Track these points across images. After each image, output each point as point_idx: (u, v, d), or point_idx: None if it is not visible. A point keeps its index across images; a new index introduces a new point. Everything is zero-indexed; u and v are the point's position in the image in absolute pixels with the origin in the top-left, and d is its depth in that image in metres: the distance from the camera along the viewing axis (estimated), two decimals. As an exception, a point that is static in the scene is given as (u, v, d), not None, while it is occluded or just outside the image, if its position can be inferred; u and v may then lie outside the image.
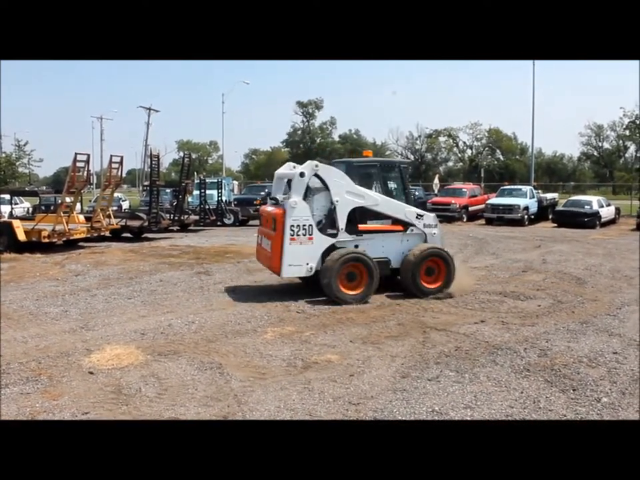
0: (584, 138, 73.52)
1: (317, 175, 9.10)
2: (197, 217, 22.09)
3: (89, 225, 16.67)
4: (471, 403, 4.98)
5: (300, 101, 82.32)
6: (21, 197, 27.46)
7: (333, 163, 10.55)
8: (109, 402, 4.99)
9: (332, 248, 9.08)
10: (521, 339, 6.94)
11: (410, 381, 5.51)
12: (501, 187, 30.12)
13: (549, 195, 30.28)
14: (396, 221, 9.53)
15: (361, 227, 9.36)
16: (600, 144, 73.93)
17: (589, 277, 11.29)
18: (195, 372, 5.75)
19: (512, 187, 30.64)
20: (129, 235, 19.20)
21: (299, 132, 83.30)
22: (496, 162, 73.87)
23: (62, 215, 15.62)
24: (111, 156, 17.03)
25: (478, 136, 76.13)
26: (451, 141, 77.61)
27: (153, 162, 19.23)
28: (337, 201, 9.05)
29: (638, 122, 38.34)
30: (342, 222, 9.12)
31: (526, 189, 28.30)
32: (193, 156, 47.53)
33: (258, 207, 23.75)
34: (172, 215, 20.39)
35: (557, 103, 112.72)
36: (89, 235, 16.47)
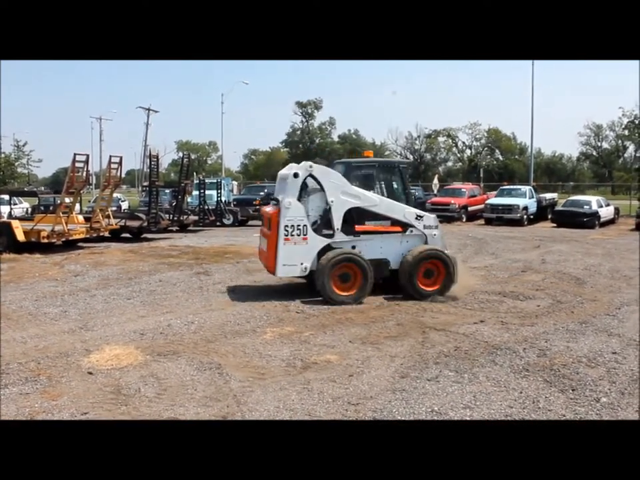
0: (583, 138, 73.76)
1: (311, 176, 9.14)
2: (196, 218, 22.09)
3: (88, 226, 16.67)
4: (470, 403, 4.98)
5: (299, 101, 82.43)
6: (20, 198, 27.43)
7: (334, 163, 10.55)
8: (108, 402, 4.98)
9: (328, 248, 9.10)
10: (520, 339, 6.95)
11: (409, 381, 5.51)
12: (500, 187, 30.15)
13: (548, 195, 30.31)
14: (395, 222, 9.47)
15: (358, 227, 9.35)
16: (599, 144, 74.10)
17: (588, 277, 11.30)
18: (194, 372, 5.75)
19: (511, 187, 30.66)
20: (128, 235, 19.20)
21: (298, 132, 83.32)
22: (495, 162, 73.96)
23: (61, 215, 15.61)
24: (110, 156, 17.04)
25: (477, 136, 76.31)
26: (450, 141, 77.70)
27: (152, 162, 19.22)
28: (332, 202, 9.08)
29: (637, 122, 38.34)
30: (337, 222, 9.14)
31: (525, 189, 28.33)
32: (192, 156, 47.61)
33: (257, 207, 23.82)
34: (171, 216, 20.39)
35: (556, 103, 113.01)
36: (88, 236, 16.47)
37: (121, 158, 17.09)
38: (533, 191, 28.09)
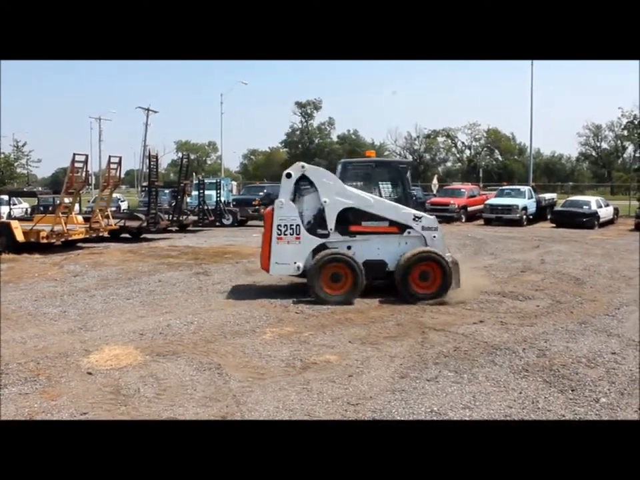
0: (582, 138, 73.81)
1: (305, 176, 9.21)
2: (195, 218, 22.10)
3: (87, 226, 16.65)
4: (469, 403, 4.98)
5: (298, 102, 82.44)
6: (19, 198, 27.39)
7: (339, 163, 10.55)
8: (107, 402, 4.98)
9: (323, 248, 9.13)
10: (520, 339, 6.95)
11: (409, 381, 5.51)
12: (500, 187, 30.16)
13: (548, 195, 30.33)
14: (392, 223, 9.38)
15: (353, 227, 9.33)
16: (598, 144, 74.15)
17: (587, 277, 11.30)
18: (194, 372, 5.75)
19: (510, 187, 30.68)
20: (127, 235, 19.19)
21: (298, 132, 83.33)
22: (494, 162, 73.99)
23: (60, 215, 15.60)
24: (110, 156, 17.04)
25: (476, 136, 76.36)
26: (450, 141, 77.74)
27: (152, 162, 19.21)
28: (325, 202, 9.12)
29: (636, 122, 38.36)
30: (331, 222, 9.17)
31: (524, 189, 28.34)
32: (192, 156, 47.59)
33: (256, 207, 23.84)
34: (170, 216, 20.39)
35: (556, 103, 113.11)
36: (87, 236, 16.46)
37: (120, 158, 17.10)
38: (532, 191, 28.11)
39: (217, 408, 4.85)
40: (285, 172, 9.37)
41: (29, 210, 26.59)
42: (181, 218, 20.67)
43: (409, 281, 8.93)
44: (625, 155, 73.30)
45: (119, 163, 17.04)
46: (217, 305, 8.78)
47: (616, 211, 27.36)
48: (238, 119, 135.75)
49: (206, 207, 22.50)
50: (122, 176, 18.33)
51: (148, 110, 51.75)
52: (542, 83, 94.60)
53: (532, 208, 26.62)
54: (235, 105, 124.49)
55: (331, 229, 9.18)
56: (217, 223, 23.13)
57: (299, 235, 9.14)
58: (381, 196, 9.73)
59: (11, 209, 19.57)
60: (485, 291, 9.63)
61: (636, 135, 40.56)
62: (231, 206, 25.15)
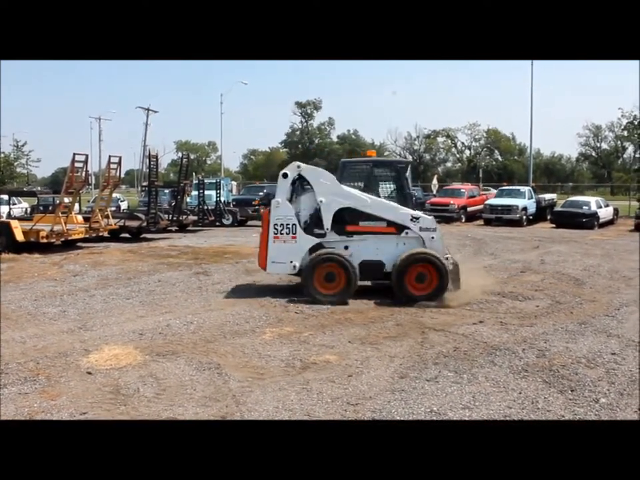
0: (582, 139, 73.84)
1: (301, 176, 9.27)
2: (195, 218, 22.10)
3: (87, 226, 16.64)
4: (469, 404, 4.98)
5: (298, 102, 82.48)
6: (19, 198, 27.40)
7: (340, 162, 10.58)
8: (107, 402, 4.98)
9: (320, 247, 9.16)
10: (520, 340, 6.95)
11: (408, 382, 5.51)
12: (500, 188, 30.17)
13: (547, 196, 30.32)
14: (390, 223, 9.31)
15: (349, 227, 9.32)
16: (598, 145, 74.18)
17: (587, 278, 11.30)
18: (194, 372, 5.75)
19: (510, 187, 30.69)
20: (127, 235, 19.19)
21: (298, 132, 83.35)
22: (494, 162, 74.01)
23: (60, 215, 15.59)
24: (110, 156, 17.03)
25: (476, 136, 76.41)
26: (450, 141, 77.76)
27: (152, 162, 19.22)
28: (321, 201, 9.15)
29: (636, 122, 38.35)
30: (327, 222, 9.18)
31: (524, 189, 28.35)
32: (192, 156, 47.59)
33: (256, 207, 23.84)
34: (170, 216, 20.38)
35: (556, 103, 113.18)
36: (87, 236, 16.44)
37: (120, 158, 17.09)
38: (532, 191, 28.11)
39: (217, 408, 4.85)
40: (282, 172, 9.44)
41: (29, 210, 26.58)
42: (180, 218, 20.67)
43: (405, 282, 8.84)
44: (624, 156, 73.42)
45: (119, 163, 17.04)
46: (216, 305, 8.78)
47: (616, 211, 27.37)
48: (238, 118, 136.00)
49: (206, 207, 22.50)
50: (122, 176, 18.33)
51: (148, 110, 51.76)
52: (542, 83, 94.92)
53: (532, 208, 26.62)
54: (235, 104, 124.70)
55: (327, 229, 9.20)
56: (217, 223, 23.13)
57: (295, 234, 9.18)
58: (379, 196, 9.69)
59: (10, 208, 19.57)
60: (486, 291, 9.62)
61: (636, 135, 40.53)
62: (231, 206, 25.15)
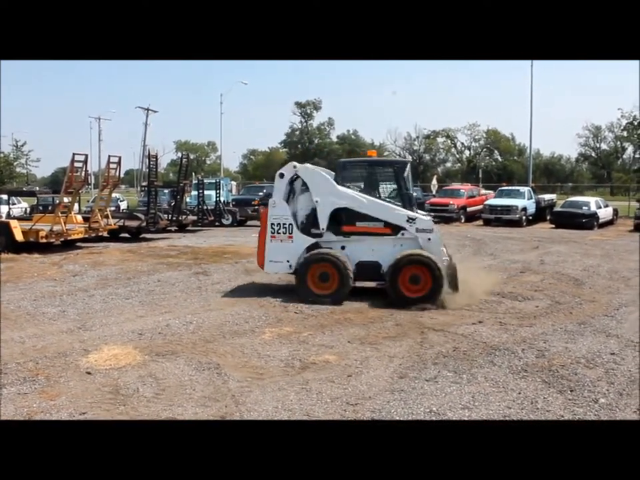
0: (582, 139, 73.90)
1: (297, 176, 9.35)
2: (195, 218, 22.09)
3: (86, 225, 16.63)
4: (468, 404, 4.98)
5: (298, 102, 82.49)
6: (18, 197, 27.39)
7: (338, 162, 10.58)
8: (106, 402, 4.97)
9: (317, 247, 9.18)
10: (519, 340, 6.95)
11: (408, 382, 5.51)
12: (499, 188, 30.17)
13: (547, 196, 30.31)
14: (386, 224, 9.22)
15: (346, 228, 9.30)
16: (598, 145, 74.25)
17: (586, 278, 11.30)
18: (193, 372, 5.75)
19: (510, 187, 30.69)
20: (126, 235, 19.18)
21: (297, 133, 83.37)
22: (494, 163, 74.04)
23: (60, 215, 15.58)
24: (109, 156, 17.01)
25: (476, 137, 76.46)
26: (449, 141, 77.79)
27: (151, 162, 19.22)
28: (317, 202, 9.17)
29: (636, 123, 38.39)
30: (323, 222, 9.19)
31: (524, 189, 28.35)
32: (191, 156, 47.57)
33: (256, 207, 23.83)
34: (170, 216, 20.38)
35: (556, 103, 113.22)
36: (86, 235, 16.44)
37: (119, 158, 17.08)
38: (531, 191, 28.13)
39: (216, 408, 4.85)
40: (278, 172, 9.55)
41: (28, 209, 26.57)
42: (180, 218, 20.67)
43: (399, 284, 8.70)
44: (624, 156, 73.56)
45: (119, 163, 17.03)
46: (216, 305, 8.78)
47: (615, 211, 27.38)
48: (238, 118, 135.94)
49: (205, 207, 22.50)
50: (121, 176, 18.37)
51: (148, 110, 51.67)
52: (542, 83, 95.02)
53: (531, 209, 26.63)
54: (235, 104, 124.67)
55: (323, 229, 9.20)
56: (217, 223, 23.13)
57: (291, 234, 9.26)
58: (379, 196, 9.67)
59: (10, 208, 19.56)
60: (485, 291, 9.61)
61: (635, 135, 40.62)
62: (231, 206, 25.14)
